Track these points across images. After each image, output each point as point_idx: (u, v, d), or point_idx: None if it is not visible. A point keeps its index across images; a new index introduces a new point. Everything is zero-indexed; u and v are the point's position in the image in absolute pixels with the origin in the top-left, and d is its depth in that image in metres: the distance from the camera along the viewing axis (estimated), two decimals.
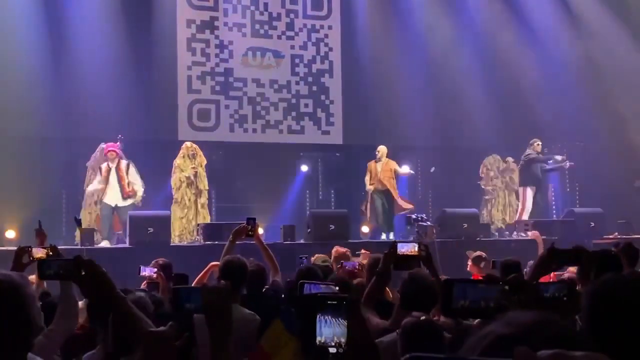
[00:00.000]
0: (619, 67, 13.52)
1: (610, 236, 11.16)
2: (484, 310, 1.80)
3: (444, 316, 3.28)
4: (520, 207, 12.31)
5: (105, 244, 10.09)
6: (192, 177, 10.97)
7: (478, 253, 6.69)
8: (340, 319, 1.55)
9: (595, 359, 0.68)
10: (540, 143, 12.28)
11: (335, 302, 1.57)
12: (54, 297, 4.46)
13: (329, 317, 1.54)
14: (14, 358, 2.08)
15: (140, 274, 4.78)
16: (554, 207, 13.95)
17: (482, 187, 13.13)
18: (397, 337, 2.86)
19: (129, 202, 10.57)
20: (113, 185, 10.49)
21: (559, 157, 12.34)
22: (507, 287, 1.83)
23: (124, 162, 10.59)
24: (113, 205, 10.49)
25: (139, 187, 10.65)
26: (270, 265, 4.51)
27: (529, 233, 10.40)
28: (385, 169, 11.57)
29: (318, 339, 1.54)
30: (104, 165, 10.63)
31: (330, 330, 1.54)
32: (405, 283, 3.52)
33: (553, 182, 14.16)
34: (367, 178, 11.71)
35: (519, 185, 12.47)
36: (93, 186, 10.75)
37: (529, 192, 12.14)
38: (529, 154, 12.18)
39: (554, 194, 14.12)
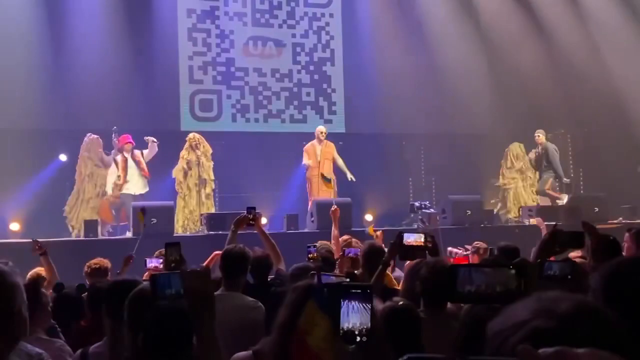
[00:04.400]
0: (622, 53, 13.44)
1: (615, 221, 11.13)
2: (490, 295, 1.79)
3: (450, 302, 3.23)
4: None
5: (129, 234, 10.06)
6: (186, 169, 10.97)
7: (478, 243, 6.49)
8: (366, 305, 1.60)
9: (600, 356, 0.64)
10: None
11: (359, 290, 1.62)
12: (69, 288, 4.46)
13: (356, 303, 1.59)
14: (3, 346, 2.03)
15: (147, 267, 4.77)
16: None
17: (503, 179, 12.77)
18: None
19: (146, 189, 10.66)
20: (132, 175, 10.52)
21: None
22: (513, 271, 1.81)
23: (137, 151, 10.64)
24: (134, 194, 10.51)
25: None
26: (272, 254, 4.51)
27: (532, 219, 10.34)
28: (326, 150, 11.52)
29: (345, 325, 1.57)
30: (119, 158, 10.55)
31: (357, 317, 1.59)
32: (425, 274, 3.35)
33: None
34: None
35: None
36: (112, 177, 10.65)
37: None
38: None
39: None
